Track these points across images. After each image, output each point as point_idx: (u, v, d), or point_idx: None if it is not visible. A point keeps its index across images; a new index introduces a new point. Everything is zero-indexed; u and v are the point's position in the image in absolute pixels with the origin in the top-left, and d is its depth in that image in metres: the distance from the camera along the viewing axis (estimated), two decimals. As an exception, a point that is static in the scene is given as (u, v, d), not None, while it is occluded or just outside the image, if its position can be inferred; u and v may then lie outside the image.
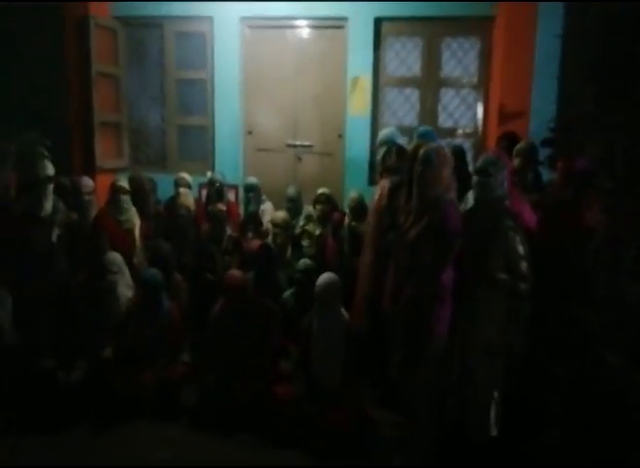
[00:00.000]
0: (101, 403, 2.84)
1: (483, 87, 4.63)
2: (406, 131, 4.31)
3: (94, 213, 3.83)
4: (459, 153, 3.24)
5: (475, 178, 2.50)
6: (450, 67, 4.69)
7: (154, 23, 5.07)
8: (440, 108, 4.73)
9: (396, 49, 4.75)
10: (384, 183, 3.18)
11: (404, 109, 4.80)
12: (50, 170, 3.30)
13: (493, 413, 2.40)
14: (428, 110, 4.72)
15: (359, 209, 3.76)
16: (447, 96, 4.72)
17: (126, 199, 3.75)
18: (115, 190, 3.74)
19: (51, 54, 4.60)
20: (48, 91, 4.54)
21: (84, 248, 3.30)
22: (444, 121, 4.74)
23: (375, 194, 3.27)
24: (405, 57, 4.75)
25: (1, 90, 4.62)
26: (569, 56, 3.98)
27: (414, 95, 4.76)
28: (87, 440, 2.73)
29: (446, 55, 4.67)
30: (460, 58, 4.67)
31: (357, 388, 2.85)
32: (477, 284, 2.40)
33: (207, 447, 2.71)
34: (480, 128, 4.69)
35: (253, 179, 4.42)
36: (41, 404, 2.80)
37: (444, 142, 3.82)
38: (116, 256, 3.24)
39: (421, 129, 3.32)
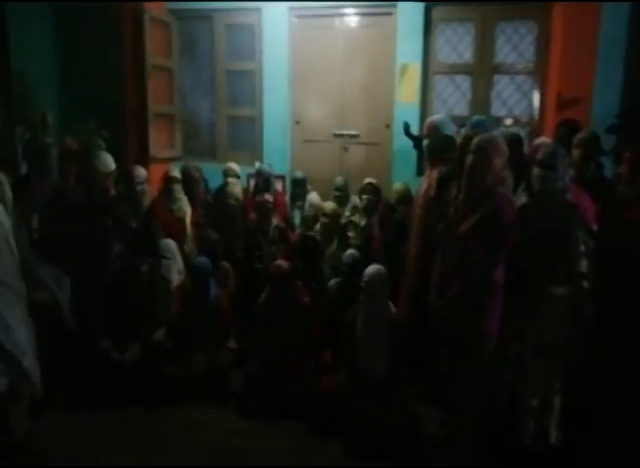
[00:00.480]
0: (153, 384, 2.96)
1: (540, 72, 4.42)
2: (457, 119, 4.18)
3: (146, 200, 3.98)
4: (515, 142, 3.11)
5: (536, 171, 2.40)
6: (504, 53, 4.50)
7: (205, 16, 5.15)
8: (493, 96, 4.56)
9: (447, 35, 4.61)
10: (433, 174, 3.11)
11: (454, 97, 4.66)
12: (110, 164, 3.41)
13: (552, 420, 2.31)
14: (481, 98, 4.55)
15: (404, 200, 3.70)
16: (501, 82, 4.54)
17: (178, 188, 3.87)
18: (168, 180, 3.87)
19: (109, 47, 4.78)
20: (106, 83, 4.73)
21: (139, 235, 3.43)
22: (497, 109, 4.57)
23: (422, 185, 3.20)
24: (456, 43, 4.60)
25: (65, 84, 4.87)
26: (636, 37, 3.72)
27: (465, 82, 4.61)
28: (138, 419, 2.85)
29: (500, 40, 4.48)
30: (515, 43, 4.47)
31: (402, 382, 2.82)
32: (535, 281, 2.31)
33: (251, 433, 2.76)
34: (536, 116, 4.48)
35: (299, 174, 4.45)
36: (97, 382, 2.95)
37: (497, 131, 3.67)
38: (170, 243, 3.36)
39: (475, 118, 3.21)
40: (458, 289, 2.35)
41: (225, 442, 2.69)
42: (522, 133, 4.11)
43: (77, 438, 2.69)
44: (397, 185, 3.84)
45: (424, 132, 3.10)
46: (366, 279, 2.80)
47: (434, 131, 3.04)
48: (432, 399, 2.91)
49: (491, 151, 2.30)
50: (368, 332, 2.79)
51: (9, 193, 2.36)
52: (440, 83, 4.68)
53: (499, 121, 4.50)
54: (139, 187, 3.93)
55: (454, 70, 4.64)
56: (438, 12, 4.54)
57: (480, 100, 4.56)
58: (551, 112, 4.22)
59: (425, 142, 3.09)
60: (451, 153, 3.01)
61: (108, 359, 2.98)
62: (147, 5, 4.81)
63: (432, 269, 2.76)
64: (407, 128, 3.79)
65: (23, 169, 3.61)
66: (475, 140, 2.38)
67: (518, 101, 4.54)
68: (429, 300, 2.60)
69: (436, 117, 3.15)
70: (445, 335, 2.50)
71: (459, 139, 2.92)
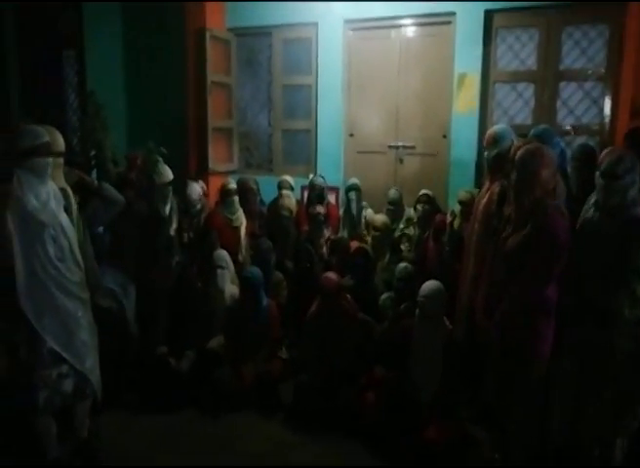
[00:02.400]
0: (206, 392, 3.02)
1: (612, 78, 4.13)
2: (519, 129, 3.99)
3: (203, 212, 4.10)
4: (587, 153, 2.92)
5: (599, 181, 2.23)
6: (571, 59, 4.25)
7: (264, 32, 5.29)
8: (559, 104, 4.32)
9: (509, 42, 4.43)
10: (494, 188, 2.98)
11: (517, 106, 4.46)
12: (168, 175, 3.57)
13: (618, 443, 2.13)
14: (545, 106, 4.32)
15: (472, 204, 3.55)
16: (567, 90, 4.29)
17: (235, 200, 3.98)
18: (226, 192, 3.99)
19: (172, 65, 5.03)
20: (169, 100, 4.98)
21: (197, 245, 3.55)
22: (563, 118, 4.32)
23: (480, 198, 3.07)
24: (519, 50, 4.41)
25: (130, 101, 5.18)
26: None
27: (528, 90, 4.40)
28: (192, 423, 2.93)
29: (567, 45, 4.24)
30: (583, 49, 4.21)
31: (456, 402, 2.69)
32: (593, 301, 2.14)
33: (297, 445, 2.75)
34: (607, 124, 4.19)
35: (354, 180, 4.43)
36: (156, 386, 3.06)
37: (564, 142, 3.45)
38: (223, 253, 3.46)
39: (538, 128, 3.02)
40: (507, 307, 2.22)
41: (272, 452, 2.70)
42: (591, 142, 3.85)
43: (134, 439, 2.79)
44: (464, 193, 3.66)
45: (485, 142, 2.97)
46: (423, 295, 2.72)
47: (496, 141, 2.91)
48: (484, 419, 2.76)
49: (536, 162, 2.17)
50: (421, 350, 2.71)
51: (74, 205, 2.51)
52: (501, 91, 4.50)
53: (562, 130, 4.26)
54: (197, 207, 4.02)
55: (516, 78, 4.44)
56: (499, 18, 4.38)
57: (544, 109, 4.33)
58: (624, 120, 3.93)
59: (486, 153, 2.96)
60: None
61: (166, 365, 3.08)
62: (209, 24, 5.01)
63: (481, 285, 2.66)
64: None
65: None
66: (519, 152, 2.26)
67: (587, 109, 4.27)
68: (478, 319, 2.47)
69: (498, 127, 3.00)
70: (493, 355, 2.37)
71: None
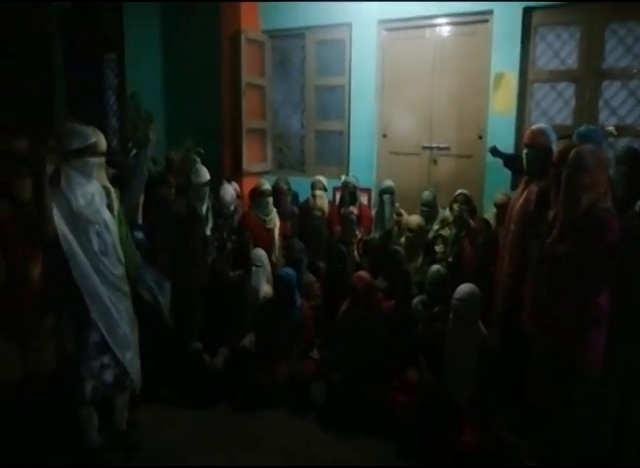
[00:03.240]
0: (239, 389, 3.06)
1: (658, 76, 3.98)
2: (558, 130, 3.89)
3: (237, 212, 4.17)
4: (633, 155, 2.82)
5: None
6: (615, 57, 4.10)
7: (297, 34, 5.33)
8: (601, 104, 4.19)
9: (548, 40, 4.32)
10: (532, 188, 2.91)
11: (556, 106, 4.34)
12: (205, 175, 3.65)
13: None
14: (586, 107, 4.19)
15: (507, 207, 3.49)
16: (610, 89, 4.16)
17: (270, 201, 4.03)
18: (260, 193, 4.04)
19: (208, 68, 5.12)
20: (205, 101, 5.07)
21: (232, 244, 3.61)
22: (606, 118, 4.17)
23: (516, 198, 3.01)
24: (559, 48, 4.29)
25: (168, 103, 5.30)
26: None
27: (568, 90, 4.28)
28: (226, 419, 2.96)
29: (610, 43, 4.11)
30: (628, 46, 4.07)
31: (491, 408, 2.64)
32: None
33: (328, 445, 2.75)
34: (654, 125, 4.04)
35: (389, 182, 4.41)
36: (190, 382, 3.11)
37: (607, 143, 3.35)
38: (261, 253, 3.51)
39: (583, 129, 2.93)
40: (558, 313, 2.16)
41: (303, 451, 2.71)
42: (635, 144, 3.72)
43: (169, 432, 2.85)
44: (500, 195, 3.60)
45: (526, 140, 2.90)
46: (457, 298, 2.67)
47: (538, 140, 2.84)
48: (521, 428, 2.69)
49: (593, 164, 2.11)
50: (456, 354, 2.67)
51: (116, 203, 2.59)
52: (540, 91, 4.39)
53: (605, 131, 4.11)
54: (231, 208, 4.09)
55: (555, 77, 4.33)
56: (539, 16, 4.28)
57: (586, 109, 4.20)
58: (672, 120, 3.78)
59: (526, 152, 2.90)
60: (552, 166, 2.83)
61: (200, 360, 3.13)
62: (244, 26, 5.08)
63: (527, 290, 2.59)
64: (494, 150, 3.48)
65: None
66: (572, 153, 2.19)
67: (631, 109, 4.11)
68: (523, 325, 2.41)
69: (540, 126, 2.93)
70: (542, 362, 2.31)
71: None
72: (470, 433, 2.48)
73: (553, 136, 2.91)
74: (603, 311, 2.11)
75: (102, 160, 2.53)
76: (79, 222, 2.39)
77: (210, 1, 5.02)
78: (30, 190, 2.24)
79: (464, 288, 2.71)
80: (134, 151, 3.53)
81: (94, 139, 2.45)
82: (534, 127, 2.95)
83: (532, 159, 2.90)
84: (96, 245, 2.43)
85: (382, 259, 3.54)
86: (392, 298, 3.23)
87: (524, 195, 2.95)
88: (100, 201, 2.49)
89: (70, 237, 2.37)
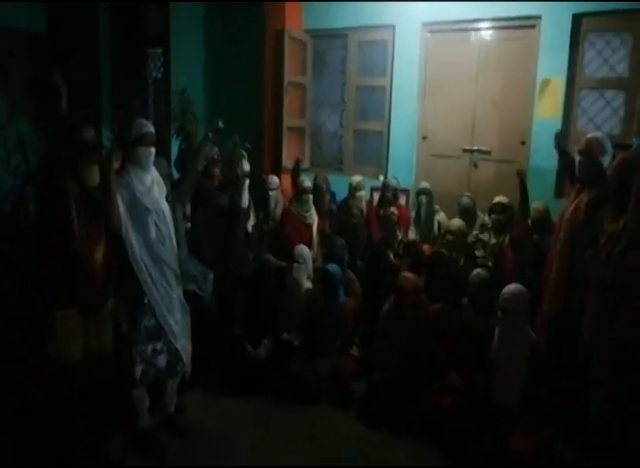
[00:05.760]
0: (282, 381, 3.11)
1: None
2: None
3: (278, 206, 4.24)
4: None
5: None
6: (669, 65, 4.04)
7: (339, 34, 5.36)
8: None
9: (598, 47, 4.27)
10: (583, 196, 2.89)
11: (604, 114, 4.28)
12: (246, 168, 3.73)
13: None
14: (637, 116, 4.12)
15: (544, 221, 3.48)
16: (662, 98, 4.08)
17: (310, 198, 4.09)
18: (302, 190, 4.09)
19: (251, 66, 5.18)
20: (247, 99, 5.13)
21: (274, 238, 3.66)
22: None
23: (566, 207, 2.99)
24: (609, 55, 4.24)
25: (212, 100, 5.38)
26: None
27: (618, 98, 4.22)
28: (265, 410, 3.01)
29: (664, 51, 4.04)
30: (684, 54, 4.00)
31: (540, 415, 2.62)
32: None
33: (371, 443, 2.77)
34: None
35: (425, 184, 4.41)
36: (234, 371, 3.17)
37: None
38: (303, 249, 3.55)
39: None
40: (625, 324, 2.13)
41: (342, 446, 2.74)
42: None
43: (214, 418, 2.91)
44: (537, 205, 3.61)
45: (581, 148, 2.87)
46: (506, 295, 2.68)
47: (592, 149, 2.81)
48: (570, 437, 2.66)
49: None
50: (504, 354, 2.66)
51: (169, 196, 2.66)
52: (587, 99, 4.34)
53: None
54: (271, 193, 4.20)
55: (604, 85, 4.27)
56: (589, 22, 4.23)
57: (636, 118, 4.12)
58: None
59: (580, 160, 2.87)
60: (602, 174, 2.79)
61: (244, 350, 3.19)
62: (287, 25, 5.13)
63: (574, 297, 2.55)
64: (560, 138, 3.24)
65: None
66: None
67: (683, 119, 4.04)
68: (585, 335, 2.39)
69: (596, 134, 2.90)
70: (604, 375, 2.27)
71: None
72: (520, 438, 2.46)
73: (608, 146, 2.87)
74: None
75: (154, 150, 2.58)
76: (138, 210, 2.46)
77: (255, 0, 5.08)
78: (96, 177, 2.31)
79: (513, 285, 2.71)
80: (183, 145, 3.65)
81: (148, 129, 2.52)
82: (589, 135, 2.92)
83: (585, 167, 2.87)
84: (153, 233, 2.50)
85: (429, 262, 3.52)
86: (434, 301, 3.22)
87: (574, 203, 2.92)
88: (158, 191, 2.56)
89: (129, 224, 2.44)
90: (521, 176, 3.49)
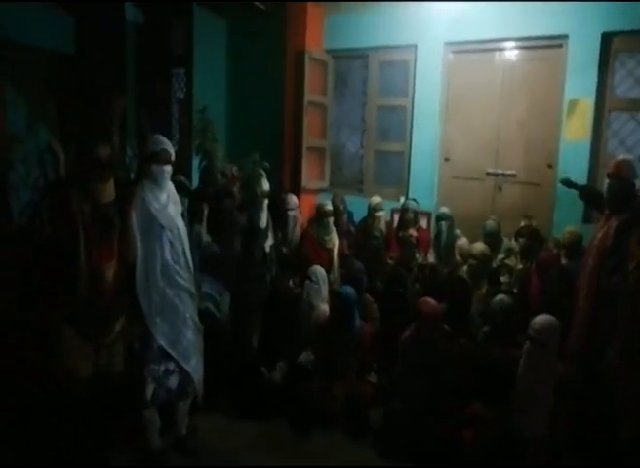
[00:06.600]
0: (296, 405, 3.00)
1: None
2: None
3: (297, 226, 4.17)
4: None
5: None
6: (703, 86, 3.89)
7: (360, 55, 5.35)
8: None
9: (629, 67, 4.14)
10: (612, 221, 2.76)
11: (635, 137, 4.13)
12: (266, 186, 3.69)
13: None
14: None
15: (576, 246, 3.32)
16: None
17: (331, 221, 4.02)
18: (323, 213, 4.02)
19: (272, 85, 5.21)
20: (267, 118, 5.14)
21: (290, 259, 3.58)
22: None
23: (596, 233, 2.86)
24: (640, 76, 4.11)
25: (232, 119, 5.42)
26: None
27: (650, 120, 4.07)
28: (279, 434, 2.92)
29: (701, 71, 3.90)
30: None
31: (566, 446, 2.45)
32: None
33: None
34: None
35: (445, 209, 4.31)
36: (248, 394, 3.08)
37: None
38: (318, 269, 3.46)
39: None
40: None
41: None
42: None
43: (225, 441, 2.83)
44: (570, 229, 3.51)
45: (610, 171, 2.75)
46: (536, 326, 2.55)
47: (622, 172, 2.69)
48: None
49: None
50: (530, 386, 2.52)
51: (185, 214, 2.61)
52: (617, 120, 4.20)
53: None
54: (290, 213, 4.12)
55: (636, 107, 4.13)
56: (619, 41, 4.10)
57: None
58: None
59: (609, 183, 2.75)
60: (636, 198, 2.68)
61: (259, 374, 3.10)
62: (308, 46, 5.15)
63: (603, 325, 2.46)
64: (567, 182, 3.24)
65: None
66: None
67: None
68: (612, 362, 2.24)
69: (626, 157, 2.80)
70: (632, 405, 2.12)
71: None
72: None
73: (639, 169, 2.75)
74: None
75: (170, 168, 2.55)
76: (153, 228, 2.42)
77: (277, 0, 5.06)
78: (110, 194, 2.28)
79: (544, 316, 2.60)
80: (204, 163, 3.64)
81: (164, 146, 2.50)
82: (619, 157, 2.81)
83: (614, 191, 2.77)
84: (167, 252, 2.44)
85: (448, 287, 3.40)
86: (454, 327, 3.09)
87: (604, 229, 2.80)
88: (174, 209, 2.52)
89: (142, 242, 2.40)
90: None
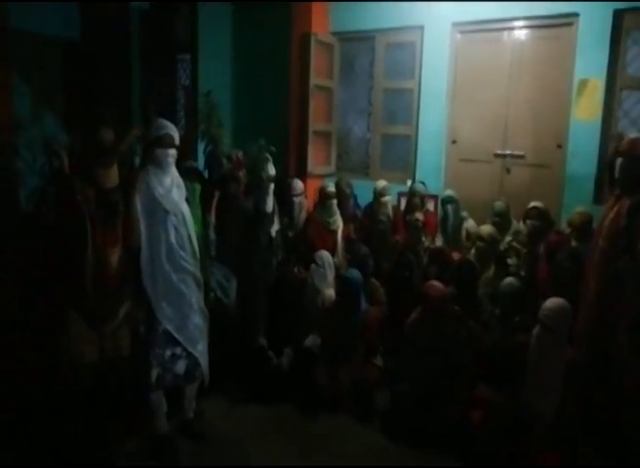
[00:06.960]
0: (304, 389, 3.02)
1: None
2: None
3: (302, 211, 4.14)
4: None
5: None
6: None
7: (367, 36, 5.26)
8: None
9: (642, 45, 4.04)
10: (624, 201, 2.70)
11: (647, 116, 4.04)
12: (272, 171, 3.67)
13: None
14: (683, 116, 3.88)
15: (586, 227, 3.28)
16: None
17: (334, 203, 4.00)
18: (325, 195, 4.01)
19: (277, 69, 5.16)
20: (273, 102, 5.10)
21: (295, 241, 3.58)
22: None
23: (606, 213, 2.80)
24: (654, 54, 4.00)
25: (237, 103, 5.39)
26: None
27: (662, 98, 3.97)
28: (289, 418, 2.94)
29: None
30: None
31: (578, 431, 2.44)
32: None
33: (393, 452, 2.67)
34: None
35: (450, 192, 4.27)
36: (255, 378, 3.10)
37: None
38: (324, 254, 3.45)
39: None
40: None
41: (363, 457, 2.65)
42: None
43: (233, 425, 2.85)
44: (580, 210, 3.47)
45: (624, 148, 2.69)
46: (548, 310, 2.52)
47: (636, 150, 2.63)
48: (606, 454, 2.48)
49: None
50: (539, 370, 2.50)
51: (197, 199, 2.61)
52: (629, 99, 4.10)
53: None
54: (296, 199, 4.10)
55: (648, 85, 4.03)
56: (631, 19, 3.99)
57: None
58: None
59: (622, 162, 2.69)
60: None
61: (266, 358, 3.12)
62: (314, 29, 5.08)
63: (613, 307, 2.42)
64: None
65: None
66: None
67: None
68: (621, 346, 2.22)
69: (637, 136, 2.73)
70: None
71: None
72: (554, 456, 2.29)
73: None
74: None
75: (174, 152, 2.54)
76: (158, 212, 2.42)
77: (283, 0, 5.04)
78: (114, 178, 2.28)
79: (555, 300, 2.56)
80: (209, 147, 3.62)
81: (168, 131, 2.49)
82: (633, 135, 2.74)
83: (627, 169, 2.71)
84: (172, 236, 2.45)
85: (455, 270, 3.38)
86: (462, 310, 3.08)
87: (615, 209, 2.75)
88: (178, 193, 2.51)
89: (147, 227, 2.40)
90: None
